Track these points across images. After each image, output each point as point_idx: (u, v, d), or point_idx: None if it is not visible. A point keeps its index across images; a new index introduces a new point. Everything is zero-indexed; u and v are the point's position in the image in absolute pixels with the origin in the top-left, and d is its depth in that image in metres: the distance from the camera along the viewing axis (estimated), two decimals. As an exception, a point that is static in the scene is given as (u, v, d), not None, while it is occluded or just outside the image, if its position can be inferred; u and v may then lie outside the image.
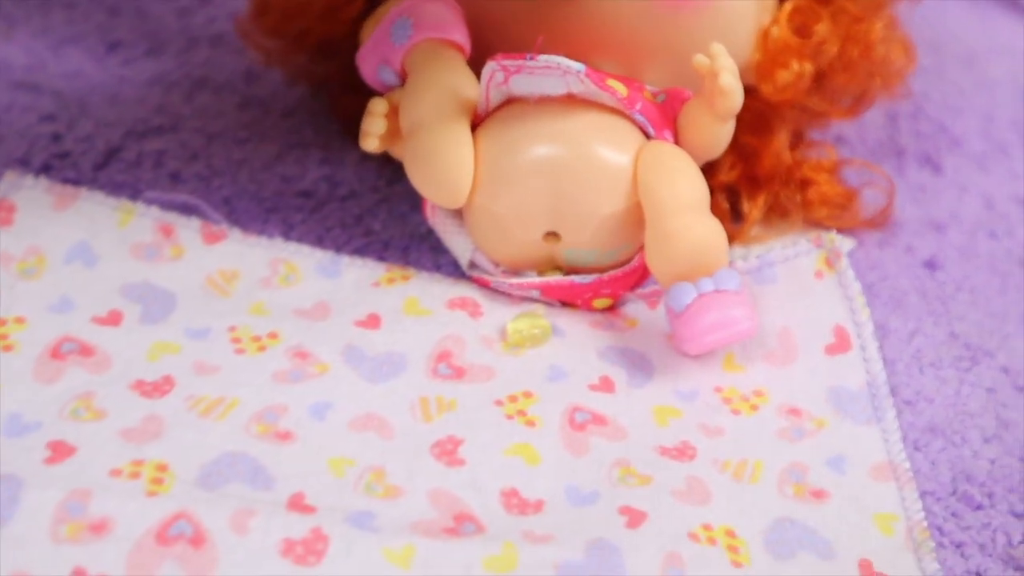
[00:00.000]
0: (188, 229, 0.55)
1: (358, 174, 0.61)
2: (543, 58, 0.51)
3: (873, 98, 0.60)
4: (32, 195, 0.55)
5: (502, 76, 0.52)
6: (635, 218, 0.53)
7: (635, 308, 0.56)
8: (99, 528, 0.44)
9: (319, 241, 0.58)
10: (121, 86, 0.65)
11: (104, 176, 0.60)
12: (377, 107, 0.55)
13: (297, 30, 0.60)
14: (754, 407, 0.52)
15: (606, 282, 0.54)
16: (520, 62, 0.51)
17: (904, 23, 0.62)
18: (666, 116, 0.54)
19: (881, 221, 0.61)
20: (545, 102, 0.53)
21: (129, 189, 0.59)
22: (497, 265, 0.55)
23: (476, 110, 0.54)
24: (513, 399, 0.51)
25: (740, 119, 0.57)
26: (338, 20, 0.59)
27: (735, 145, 0.58)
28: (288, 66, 0.63)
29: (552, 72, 0.52)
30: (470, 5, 0.55)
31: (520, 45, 0.54)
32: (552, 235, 0.53)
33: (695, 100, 0.54)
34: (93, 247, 0.54)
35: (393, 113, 0.55)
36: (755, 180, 0.60)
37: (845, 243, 0.60)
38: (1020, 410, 0.54)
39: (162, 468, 0.46)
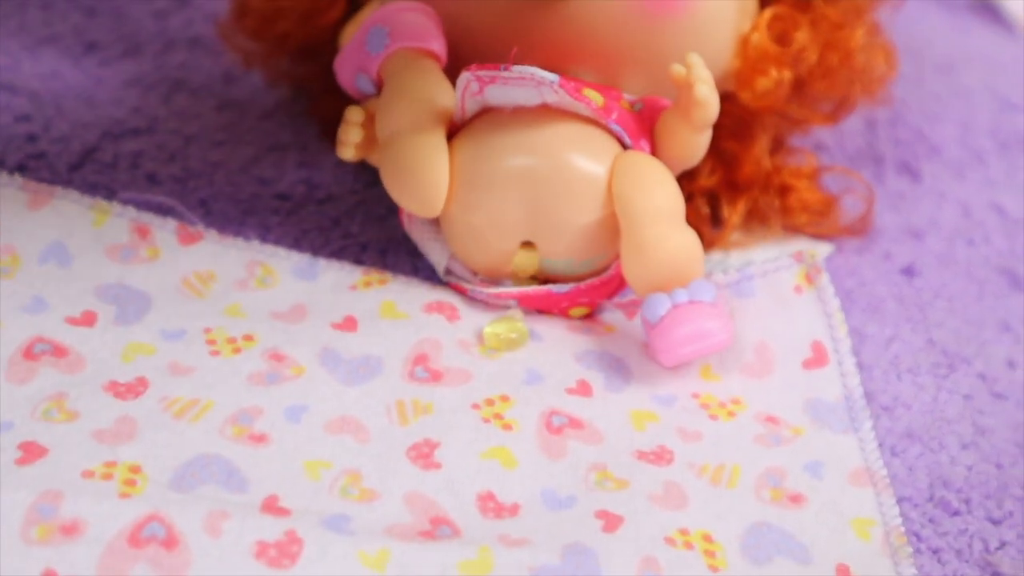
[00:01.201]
0: (164, 230, 0.55)
1: (336, 177, 0.61)
2: (517, 69, 0.51)
3: (854, 104, 0.60)
4: (6, 193, 0.54)
5: (477, 86, 0.52)
6: (611, 228, 0.53)
7: (613, 317, 0.56)
8: (71, 530, 0.43)
9: (296, 244, 0.58)
10: (97, 87, 0.65)
11: (79, 177, 0.59)
12: (353, 116, 0.55)
13: (277, 33, 0.60)
14: (731, 413, 0.52)
15: (583, 291, 0.54)
16: (494, 72, 0.51)
17: (883, 30, 0.62)
18: (643, 125, 0.54)
19: (861, 228, 0.61)
20: (521, 112, 0.53)
21: (104, 190, 0.59)
22: (475, 273, 0.55)
23: (452, 119, 0.54)
24: (490, 402, 0.51)
25: (721, 125, 0.57)
26: (318, 25, 0.59)
27: (715, 150, 0.58)
28: (268, 68, 0.63)
29: (526, 83, 0.52)
30: (446, 14, 0.55)
31: (497, 54, 0.54)
32: (528, 245, 0.53)
33: (671, 110, 0.54)
34: (68, 247, 0.53)
35: (370, 121, 0.55)
36: (735, 185, 0.60)
37: (823, 248, 0.60)
38: (997, 417, 0.54)
39: (135, 470, 0.46)
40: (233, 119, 0.64)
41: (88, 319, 0.51)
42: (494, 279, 0.55)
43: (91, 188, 0.59)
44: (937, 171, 0.66)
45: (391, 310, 0.53)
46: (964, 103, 0.71)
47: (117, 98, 0.64)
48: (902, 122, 0.69)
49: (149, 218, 0.55)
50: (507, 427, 0.50)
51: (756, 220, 0.60)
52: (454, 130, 0.54)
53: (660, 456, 0.50)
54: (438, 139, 0.53)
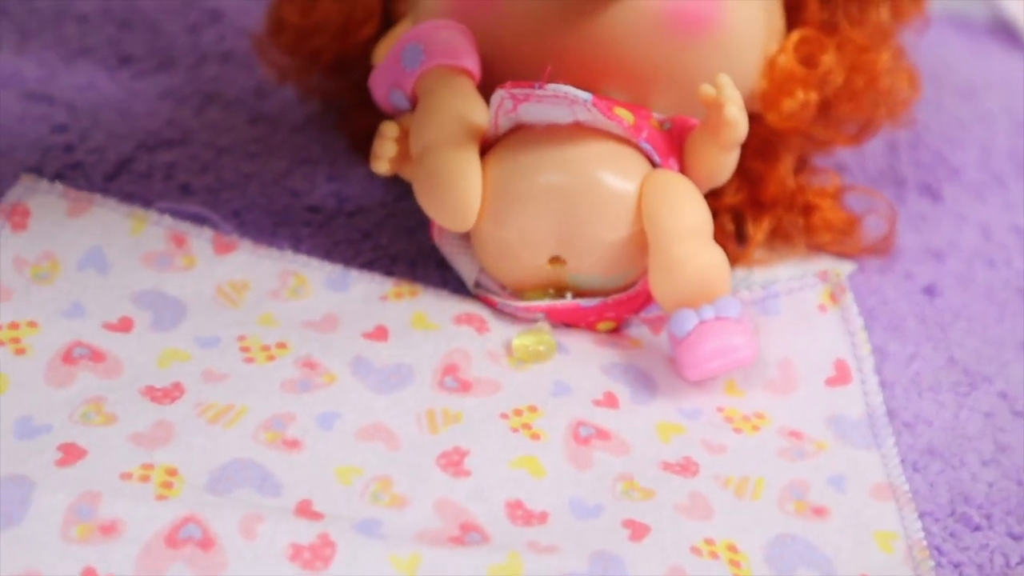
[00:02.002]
0: (200, 239, 0.56)
1: (366, 190, 0.62)
2: (551, 87, 0.52)
3: (878, 127, 0.61)
4: (47, 200, 0.55)
5: (511, 104, 0.53)
6: (639, 245, 0.54)
7: (639, 331, 0.56)
8: (109, 530, 0.44)
9: (327, 255, 0.59)
10: (132, 99, 0.66)
11: (115, 187, 0.60)
12: (388, 131, 0.56)
13: (312, 48, 0.61)
14: (755, 427, 0.53)
15: (611, 306, 0.55)
16: (529, 90, 0.52)
17: (907, 54, 0.63)
18: (672, 144, 0.55)
19: (883, 248, 0.62)
20: (553, 129, 0.54)
21: (140, 200, 0.59)
22: (504, 287, 0.56)
23: (485, 135, 0.55)
24: (518, 413, 0.51)
25: (746, 144, 0.58)
26: (353, 40, 0.60)
27: (741, 169, 0.59)
28: (301, 83, 0.63)
29: (560, 101, 0.52)
30: (480, 32, 0.56)
31: (529, 72, 0.55)
32: (557, 260, 0.54)
33: (700, 129, 0.55)
34: (106, 254, 0.54)
35: (404, 137, 0.56)
36: (760, 204, 0.60)
37: (846, 266, 0.60)
38: (1017, 435, 0.55)
39: (172, 472, 0.47)
40: (265, 132, 0.65)
41: (125, 325, 0.52)
42: (522, 293, 0.56)
43: (127, 198, 0.60)
44: (958, 193, 0.67)
45: (422, 321, 0.54)
46: (985, 127, 0.71)
47: (151, 110, 0.65)
48: (923, 145, 0.70)
49: (185, 227, 0.56)
50: (535, 437, 0.50)
51: (780, 238, 0.61)
52: (487, 146, 0.55)
53: (685, 467, 0.51)
54: (471, 154, 0.53)
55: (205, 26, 0.72)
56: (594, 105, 0.52)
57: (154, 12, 0.72)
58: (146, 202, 0.59)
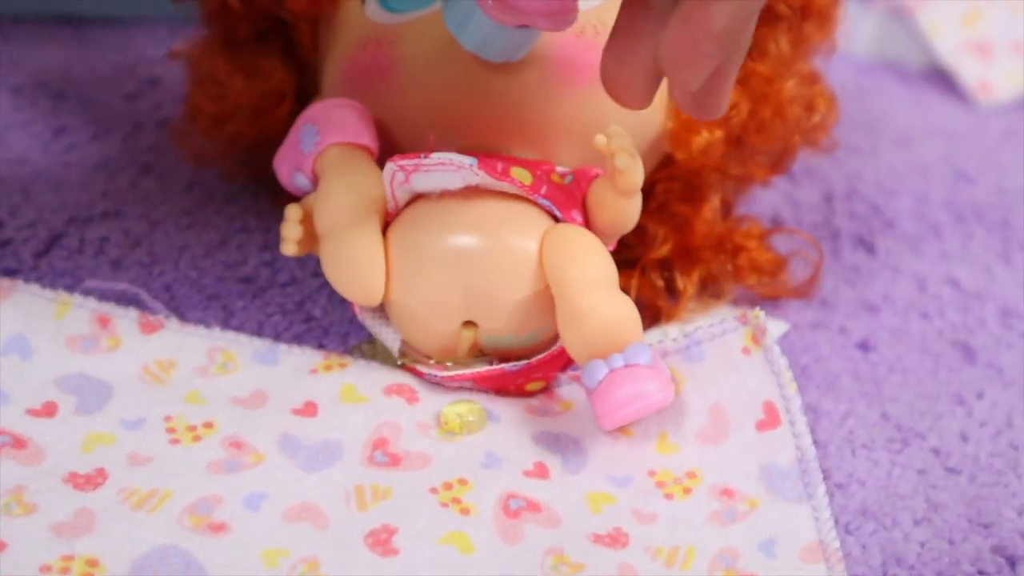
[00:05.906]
0: (125, 319, 0.56)
1: (299, 260, 0.62)
2: (436, 155, 0.52)
3: (795, 154, 0.61)
4: (-33, 288, 0.55)
5: (402, 176, 0.53)
6: (548, 301, 0.54)
7: (570, 390, 0.56)
8: (27, 625, 0.44)
9: (259, 327, 0.59)
10: (66, 172, 0.66)
11: (45, 263, 0.60)
12: (292, 213, 0.56)
13: (229, 133, 0.61)
14: (687, 490, 0.53)
15: (535, 367, 0.55)
16: (415, 161, 0.53)
17: (838, 98, 0.62)
18: (573, 197, 0.55)
19: (808, 290, 0.62)
20: (449, 195, 0.54)
21: (70, 277, 0.59)
22: (429, 356, 0.56)
23: (388, 209, 0.55)
24: (448, 487, 0.51)
25: (670, 189, 0.59)
26: (268, 121, 0.61)
27: (667, 216, 0.59)
28: (224, 165, 0.64)
29: (447, 168, 0.53)
30: (377, 105, 0.56)
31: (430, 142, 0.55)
32: (469, 324, 0.54)
33: (601, 179, 0.55)
34: (29, 339, 0.54)
35: (308, 218, 0.56)
36: (689, 252, 0.60)
37: (778, 327, 0.60)
38: (949, 492, 0.55)
39: (92, 563, 0.46)
40: (199, 202, 0.65)
41: (49, 410, 0.52)
42: (446, 360, 0.56)
43: (57, 275, 0.59)
44: (892, 245, 0.67)
45: (351, 394, 0.54)
46: (920, 176, 0.72)
47: (85, 182, 0.65)
48: (858, 196, 0.70)
49: (110, 308, 0.56)
50: (465, 511, 0.50)
51: (709, 287, 0.61)
52: (390, 219, 0.55)
53: (615, 539, 0.50)
54: (372, 231, 0.54)
55: (142, 94, 0.72)
56: (481, 168, 0.52)
57: (91, 82, 0.72)
58: (76, 279, 0.59)
